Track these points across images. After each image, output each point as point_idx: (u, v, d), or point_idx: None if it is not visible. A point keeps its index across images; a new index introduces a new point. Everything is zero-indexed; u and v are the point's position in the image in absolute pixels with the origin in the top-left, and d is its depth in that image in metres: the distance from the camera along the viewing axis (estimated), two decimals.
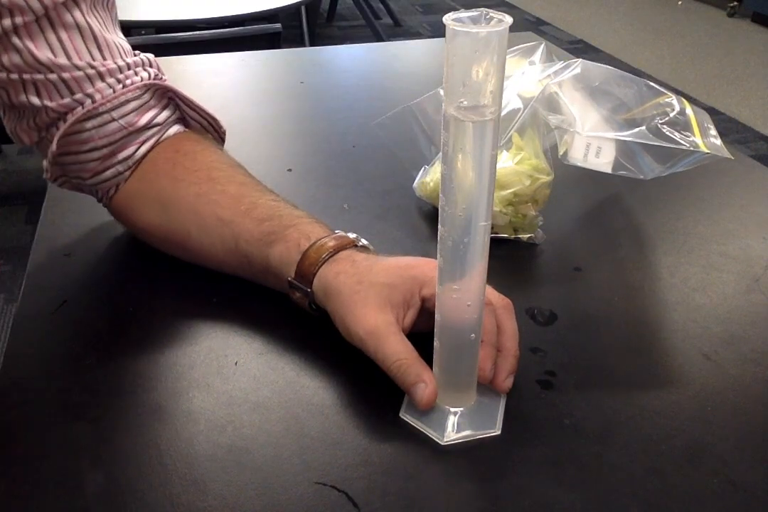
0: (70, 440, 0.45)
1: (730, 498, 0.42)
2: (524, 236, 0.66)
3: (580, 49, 3.73)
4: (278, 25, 1.69)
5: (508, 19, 0.35)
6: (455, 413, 0.47)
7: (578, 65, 0.67)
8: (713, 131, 0.65)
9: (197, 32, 1.63)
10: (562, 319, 0.57)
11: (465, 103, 0.36)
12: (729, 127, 2.89)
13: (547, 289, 0.61)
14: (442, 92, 0.69)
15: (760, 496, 0.42)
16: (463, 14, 0.35)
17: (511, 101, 0.67)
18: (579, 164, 0.67)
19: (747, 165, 0.82)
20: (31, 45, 0.52)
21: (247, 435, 0.46)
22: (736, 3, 4.05)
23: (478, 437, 0.46)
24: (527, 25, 4.16)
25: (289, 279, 0.51)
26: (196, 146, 0.61)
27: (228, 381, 0.50)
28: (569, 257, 0.65)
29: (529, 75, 0.69)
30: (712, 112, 3.00)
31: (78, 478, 0.43)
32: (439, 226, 0.41)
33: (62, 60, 0.53)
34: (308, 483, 0.42)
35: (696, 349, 0.54)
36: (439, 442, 0.45)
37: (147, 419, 0.47)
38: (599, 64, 0.68)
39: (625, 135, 0.63)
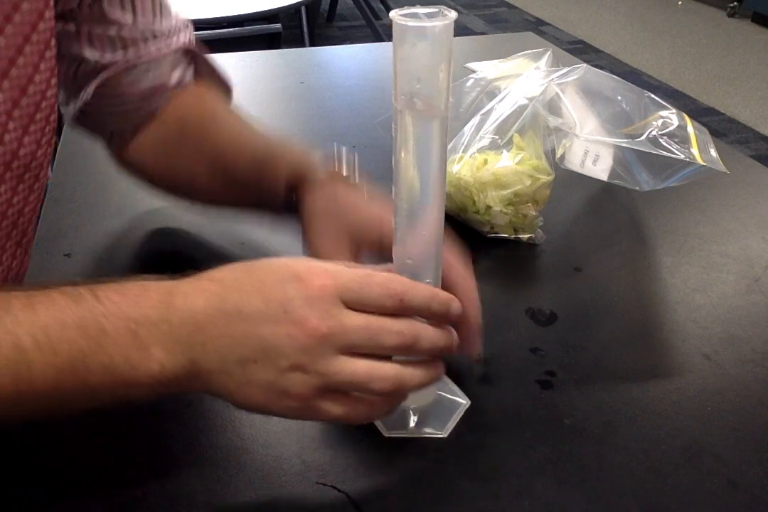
0: (68, 440, 0.45)
1: (730, 498, 0.42)
2: (524, 236, 0.66)
3: (580, 49, 3.73)
4: (278, 25, 1.69)
5: (453, 15, 0.34)
6: (408, 408, 0.46)
7: (582, 70, 0.67)
8: (712, 147, 0.65)
9: (197, 32, 1.62)
10: (562, 319, 0.57)
11: (412, 98, 0.36)
12: (729, 127, 2.89)
13: (547, 289, 0.61)
14: None
15: (760, 496, 0.42)
16: (419, 10, 0.35)
17: (513, 101, 0.67)
18: (575, 169, 0.68)
19: (747, 165, 0.82)
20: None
21: (247, 435, 0.46)
22: (736, 3, 4.06)
23: (422, 436, 0.46)
24: (527, 25, 4.16)
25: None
26: (217, 101, 0.65)
27: None
28: (569, 257, 0.65)
29: (534, 78, 0.69)
30: (712, 113, 3.00)
31: (77, 478, 0.43)
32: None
33: (129, 17, 0.54)
34: (308, 483, 0.42)
35: (696, 349, 0.54)
36: (383, 433, 0.45)
37: (146, 419, 0.47)
38: (603, 72, 0.68)
39: (623, 142, 0.63)
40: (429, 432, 0.46)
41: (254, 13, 1.88)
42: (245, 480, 0.43)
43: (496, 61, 0.76)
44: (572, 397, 0.49)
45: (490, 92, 0.73)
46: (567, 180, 0.79)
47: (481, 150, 0.67)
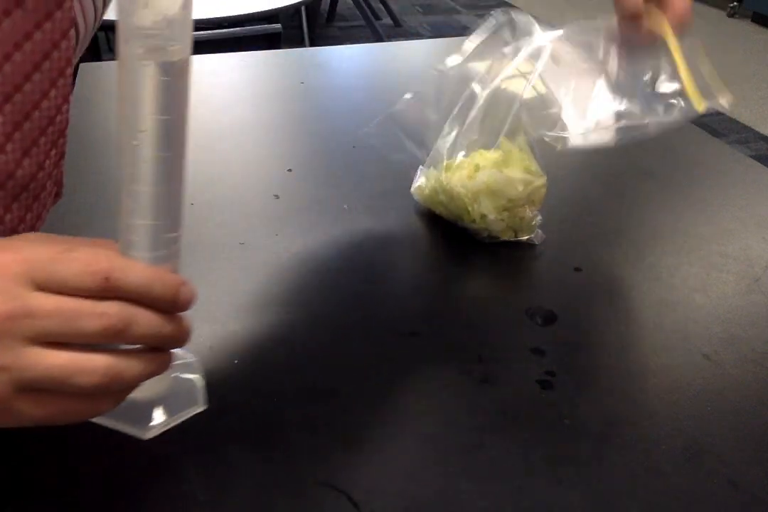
0: (67, 439, 0.45)
1: (730, 498, 0.42)
2: (524, 237, 0.66)
3: None
4: (278, 25, 1.69)
5: None
6: (154, 400, 0.41)
7: (552, 39, 0.64)
8: (705, 67, 0.58)
9: (197, 32, 1.62)
10: (562, 319, 0.57)
11: (150, 40, 0.31)
12: (729, 127, 2.89)
13: (547, 289, 0.61)
14: (409, 96, 0.68)
15: (760, 496, 0.42)
16: None
17: (495, 98, 0.64)
18: (581, 146, 0.62)
19: (747, 165, 0.83)
20: None
21: (247, 436, 0.46)
22: (736, 3, 4.06)
23: (183, 419, 0.41)
24: None
25: None
26: None
27: (228, 380, 0.50)
28: (569, 257, 0.65)
29: (508, 67, 0.66)
30: (712, 113, 3.00)
31: (77, 478, 0.43)
32: None
33: None
34: (308, 483, 0.42)
35: (696, 349, 0.54)
36: (142, 437, 0.39)
37: None
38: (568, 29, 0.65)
39: (622, 112, 0.59)
40: (188, 412, 0.41)
41: (254, 13, 1.88)
42: (245, 480, 0.43)
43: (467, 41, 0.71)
44: (572, 397, 0.49)
45: (465, 79, 0.67)
46: (566, 179, 0.79)
47: (469, 151, 0.66)
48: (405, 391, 0.50)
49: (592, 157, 0.85)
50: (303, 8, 2.94)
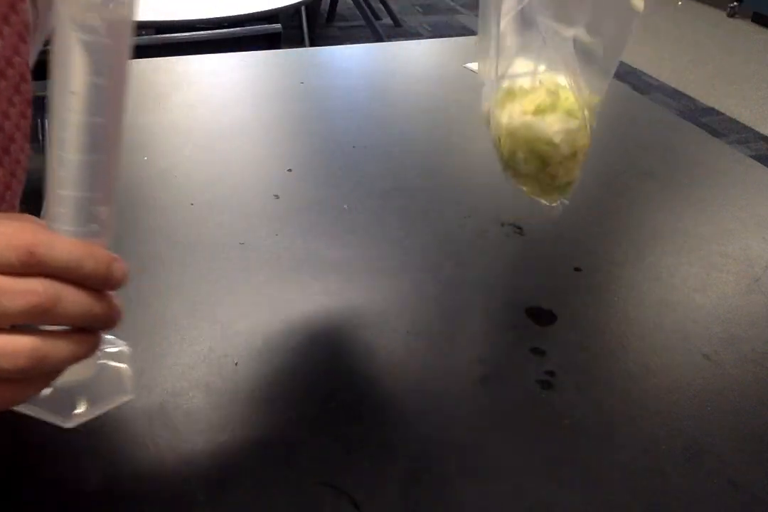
0: (67, 439, 0.45)
1: (730, 498, 0.42)
2: (548, 201, 0.57)
3: None
4: (278, 26, 1.69)
5: None
6: (78, 387, 0.38)
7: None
8: None
9: (197, 32, 1.62)
10: (562, 319, 0.57)
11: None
12: (729, 127, 2.89)
13: (547, 289, 0.61)
14: None
15: (760, 496, 0.42)
16: None
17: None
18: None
19: (747, 165, 0.83)
20: None
21: (247, 436, 0.46)
22: (736, 3, 4.06)
23: (110, 408, 0.39)
24: None
25: None
26: None
27: (228, 381, 0.50)
28: (569, 257, 0.65)
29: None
30: (712, 113, 3.00)
31: (77, 478, 0.43)
32: None
33: None
34: (308, 483, 0.42)
35: (696, 349, 0.54)
36: (63, 426, 0.37)
37: (147, 419, 0.47)
38: None
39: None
40: (116, 400, 0.39)
41: (254, 13, 1.88)
42: (245, 480, 0.43)
43: None
44: (572, 397, 0.49)
45: None
46: None
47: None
48: (405, 391, 0.50)
49: (592, 157, 0.85)
50: (303, 8, 2.94)
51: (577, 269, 0.63)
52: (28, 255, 0.30)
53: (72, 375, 0.36)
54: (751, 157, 0.89)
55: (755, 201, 0.75)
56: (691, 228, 0.69)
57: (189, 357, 0.52)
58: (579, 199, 0.76)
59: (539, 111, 0.54)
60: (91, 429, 0.46)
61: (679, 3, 4.40)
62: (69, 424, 0.37)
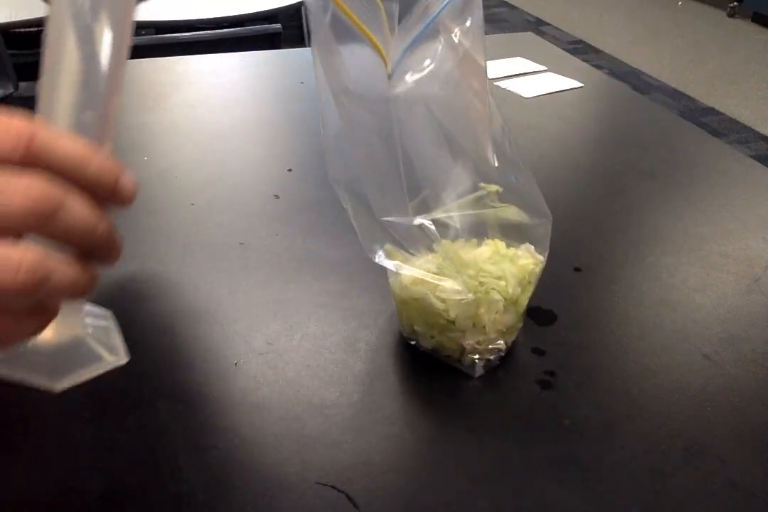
0: (69, 440, 0.45)
1: (730, 498, 0.42)
2: (463, 363, 0.50)
3: (579, 49, 3.73)
4: (278, 25, 1.69)
5: None
6: (65, 348, 0.35)
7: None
8: None
9: (197, 32, 1.63)
10: (562, 319, 0.57)
11: None
12: (729, 127, 2.89)
13: (547, 289, 0.61)
14: None
15: (760, 496, 0.42)
16: None
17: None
18: None
19: (747, 165, 0.83)
20: None
21: (247, 436, 0.46)
22: (736, 3, 4.06)
23: (100, 372, 0.36)
24: (527, 25, 4.16)
25: None
26: None
27: (228, 381, 0.50)
28: (569, 257, 0.65)
29: None
30: (712, 113, 3.00)
31: (78, 479, 0.43)
32: None
33: None
34: (308, 483, 0.42)
35: (696, 349, 0.54)
36: (53, 389, 0.35)
37: (145, 419, 0.47)
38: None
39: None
40: (111, 364, 0.36)
41: (254, 13, 1.88)
42: (245, 480, 0.43)
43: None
44: (572, 397, 0.49)
45: None
46: (567, 179, 0.79)
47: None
48: (405, 391, 0.50)
49: (593, 157, 0.85)
50: (303, 8, 2.93)
51: (577, 269, 0.63)
52: (28, 142, 0.26)
53: (61, 334, 0.34)
54: (751, 157, 0.89)
55: (755, 201, 0.75)
56: (691, 228, 0.69)
57: (189, 358, 0.52)
58: (579, 198, 0.76)
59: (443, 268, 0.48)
60: (91, 428, 0.46)
61: (679, 3, 4.40)
62: (58, 387, 0.34)
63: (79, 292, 0.29)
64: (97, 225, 0.28)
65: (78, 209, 0.27)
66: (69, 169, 0.27)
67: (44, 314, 0.29)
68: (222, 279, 0.60)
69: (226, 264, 0.62)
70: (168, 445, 0.45)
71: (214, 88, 0.99)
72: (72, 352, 0.35)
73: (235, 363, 0.51)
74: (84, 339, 0.36)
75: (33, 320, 0.29)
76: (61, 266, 0.27)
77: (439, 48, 0.44)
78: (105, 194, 0.28)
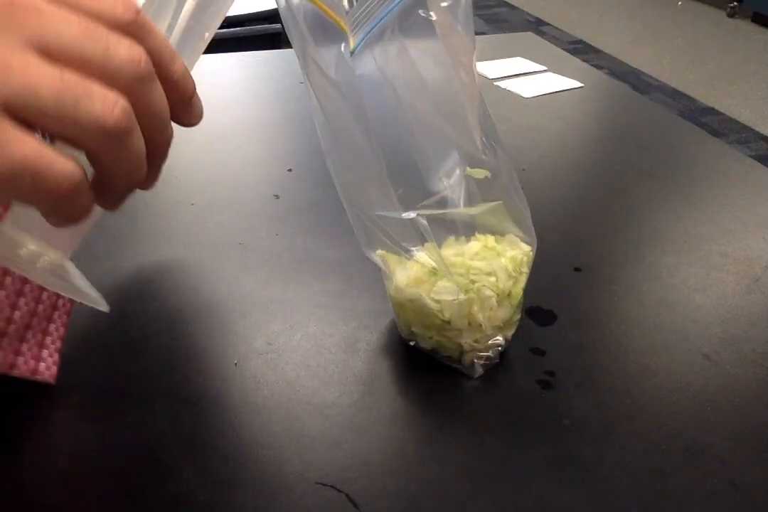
0: (69, 440, 0.45)
1: (730, 498, 0.42)
2: (462, 363, 0.51)
3: (579, 49, 3.73)
4: (278, 25, 1.69)
5: None
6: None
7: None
8: None
9: None
10: (562, 319, 0.57)
11: None
12: (729, 127, 2.89)
13: (547, 289, 0.61)
14: None
15: (760, 496, 0.42)
16: None
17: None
18: None
19: (747, 165, 0.83)
20: None
21: (247, 436, 0.46)
22: (736, 3, 4.06)
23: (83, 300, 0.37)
24: (527, 25, 4.16)
25: None
26: None
27: (228, 381, 0.50)
28: (569, 257, 0.65)
29: None
30: (712, 113, 3.00)
31: (76, 478, 0.43)
32: None
33: None
34: (308, 483, 0.42)
35: (696, 349, 0.54)
36: (106, 309, 0.37)
37: (145, 419, 0.47)
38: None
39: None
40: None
41: (254, 13, 1.88)
42: (245, 480, 0.43)
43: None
44: (572, 397, 0.49)
45: None
46: (567, 178, 0.79)
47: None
48: (405, 391, 0.50)
49: (593, 157, 0.85)
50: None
51: (577, 269, 0.63)
52: (136, 13, 0.27)
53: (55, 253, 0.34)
54: (751, 157, 0.89)
55: (755, 201, 0.75)
56: (691, 228, 0.69)
57: (188, 358, 0.52)
58: (579, 198, 0.76)
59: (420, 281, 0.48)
60: (91, 428, 0.46)
61: (679, 3, 4.40)
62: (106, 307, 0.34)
63: (131, 187, 0.29)
64: (168, 124, 0.28)
65: (160, 92, 0.27)
66: (160, 57, 0.27)
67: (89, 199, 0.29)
68: (222, 279, 0.60)
69: (226, 264, 0.62)
70: (168, 445, 0.45)
71: (214, 88, 0.99)
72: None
73: (235, 363, 0.51)
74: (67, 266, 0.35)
75: (83, 196, 0.29)
76: (140, 139, 0.27)
77: (414, 25, 0.42)
78: (181, 100, 0.29)
